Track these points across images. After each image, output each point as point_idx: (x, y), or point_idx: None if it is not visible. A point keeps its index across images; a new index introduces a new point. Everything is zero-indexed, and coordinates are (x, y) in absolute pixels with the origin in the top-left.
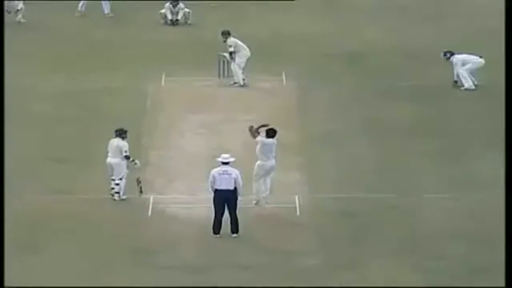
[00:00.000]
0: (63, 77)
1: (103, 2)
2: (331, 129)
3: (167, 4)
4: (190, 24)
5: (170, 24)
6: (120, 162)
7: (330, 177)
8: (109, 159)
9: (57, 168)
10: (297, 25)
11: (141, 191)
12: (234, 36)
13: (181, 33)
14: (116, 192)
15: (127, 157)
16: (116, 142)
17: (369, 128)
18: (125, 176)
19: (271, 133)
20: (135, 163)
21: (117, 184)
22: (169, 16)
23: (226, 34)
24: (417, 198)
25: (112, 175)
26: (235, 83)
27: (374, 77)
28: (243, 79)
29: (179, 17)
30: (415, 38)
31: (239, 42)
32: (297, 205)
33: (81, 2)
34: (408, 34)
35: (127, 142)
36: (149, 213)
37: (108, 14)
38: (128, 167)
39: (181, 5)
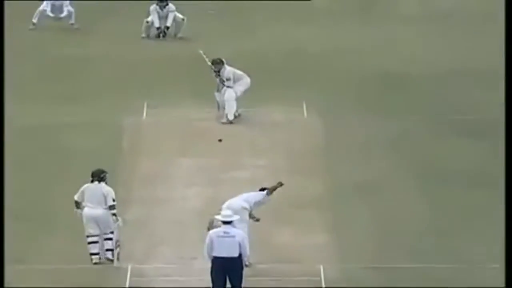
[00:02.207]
0: (15, 109)
1: (65, 8)
2: (367, 177)
3: (153, 6)
4: (180, 37)
5: (156, 36)
6: (107, 213)
7: (365, 240)
8: (91, 211)
9: (11, 228)
10: (320, 40)
11: (117, 258)
12: (229, 64)
13: (168, 49)
14: (109, 249)
15: (112, 208)
16: (99, 187)
17: (415, 175)
18: (118, 229)
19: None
20: (117, 220)
21: (110, 239)
22: (157, 23)
23: (219, 63)
24: (479, 271)
25: (94, 233)
26: (228, 120)
27: (421, 107)
28: (237, 111)
29: (168, 23)
30: (471, 55)
31: (238, 71)
32: (322, 278)
33: (38, 11)
34: (462, 49)
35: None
36: None
37: (73, 24)
38: None
39: (171, 6)
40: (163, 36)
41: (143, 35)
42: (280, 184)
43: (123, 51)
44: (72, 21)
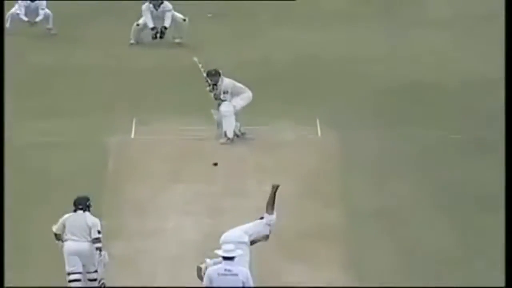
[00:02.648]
0: None
1: (41, 10)
2: (388, 202)
3: (146, 5)
4: (179, 42)
5: (152, 37)
6: (92, 247)
7: (388, 276)
8: (74, 245)
9: None
10: (336, 47)
11: None
12: (227, 76)
13: (161, 57)
14: (93, 279)
15: (97, 241)
16: (83, 217)
17: (445, 200)
18: (102, 266)
19: None
20: (100, 255)
21: (94, 279)
22: (150, 23)
23: (215, 75)
24: None
25: (76, 270)
26: (228, 139)
27: (452, 124)
28: (240, 129)
29: (166, 23)
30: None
31: (238, 84)
32: None
33: (9, 14)
34: (499, 57)
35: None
36: None
37: (50, 29)
38: None
39: (166, 4)
40: (161, 37)
41: (132, 41)
42: (276, 187)
43: (108, 60)
44: (50, 25)
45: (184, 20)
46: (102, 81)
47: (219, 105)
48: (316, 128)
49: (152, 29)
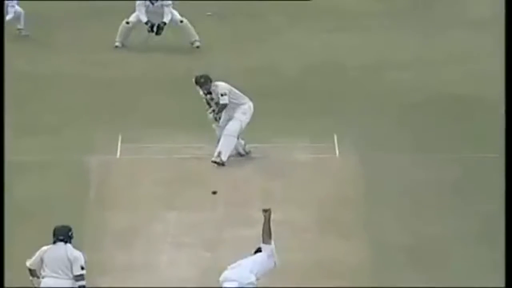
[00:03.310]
0: None
1: (11, 8)
2: (420, 237)
3: (141, 1)
4: (199, 45)
5: (148, 30)
6: (73, 285)
7: None
8: (54, 282)
9: None
10: (358, 52)
11: None
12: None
13: (150, 62)
14: None
15: (80, 278)
16: (63, 250)
17: (490, 234)
18: None
19: None
20: None
21: None
22: (144, 18)
23: (205, 82)
24: None
25: None
26: (220, 161)
27: (494, 142)
28: (245, 148)
29: (166, 19)
30: None
31: (236, 91)
32: None
33: None
34: None
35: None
36: None
37: (21, 30)
38: None
39: None
40: (157, 33)
41: (117, 43)
42: (268, 213)
43: (89, 67)
44: (21, 26)
45: (181, 21)
46: (81, 92)
47: (219, 118)
48: (334, 147)
49: (146, 23)
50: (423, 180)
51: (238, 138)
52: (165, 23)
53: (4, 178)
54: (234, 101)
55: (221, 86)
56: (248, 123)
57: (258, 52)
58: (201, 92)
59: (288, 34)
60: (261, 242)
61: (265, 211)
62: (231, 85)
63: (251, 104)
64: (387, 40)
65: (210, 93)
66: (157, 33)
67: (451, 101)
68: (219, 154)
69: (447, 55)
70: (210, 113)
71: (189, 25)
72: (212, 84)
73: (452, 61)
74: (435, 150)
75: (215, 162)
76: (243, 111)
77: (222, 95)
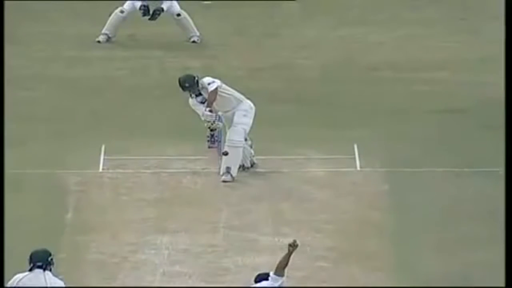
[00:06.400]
0: None
1: None
2: (462, 267)
3: None
4: (198, 40)
5: (142, 14)
6: None
7: None
8: None
9: None
10: (382, 49)
11: None
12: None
13: (137, 63)
14: None
15: None
16: (41, 279)
17: None
18: None
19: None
20: None
21: None
22: (138, 3)
23: (192, 85)
24: None
25: None
26: (231, 176)
27: None
28: (251, 160)
29: (164, 6)
30: None
31: (234, 91)
32: None
33: None
34: None
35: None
36: None
37: None
38: None
39: None
40: (152, 18)
41: (101, 37)
42: (294, 247)
43: (66, 67)
44: None
45: (179, 15)
46: (56, 97)
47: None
48: (354, 160)
49: (141, 7)
50: (458, 197)
51: (245, 140)
52: (162, 9)
53: None
54: (229, 95)
55: (207, 78)
56: (257, 132)
57: (266, 49)
58: (190, 100)
59: (302, 27)
60: (272, 271)
61: (292, 246)
62: (238, 88)
63: (250, 103)
64: (417, 35)
65: (200, 94)
66: (151, 18)
67: (494, 107)
68: (228, 170)
69: (485, 53)
70: (206, 120)
71: (187, 18)
72: (200, 82)
73: (491, 59)
74: (473, 165)
75: (225, 181)
76: (244, 113)
77: (209, 83)
